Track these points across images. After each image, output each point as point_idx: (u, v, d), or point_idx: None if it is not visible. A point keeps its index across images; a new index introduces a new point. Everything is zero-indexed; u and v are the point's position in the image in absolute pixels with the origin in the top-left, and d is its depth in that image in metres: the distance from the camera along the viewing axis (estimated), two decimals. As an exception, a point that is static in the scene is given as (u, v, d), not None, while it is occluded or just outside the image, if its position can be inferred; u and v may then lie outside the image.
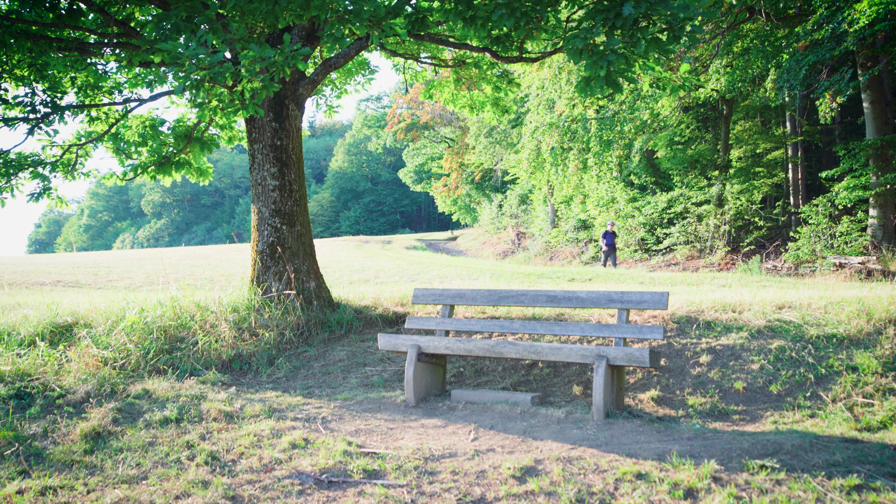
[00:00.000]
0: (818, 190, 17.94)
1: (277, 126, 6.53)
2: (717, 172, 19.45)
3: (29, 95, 7.03)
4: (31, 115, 7.00)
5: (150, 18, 6.82)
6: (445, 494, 2.98)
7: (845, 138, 17.46)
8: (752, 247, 17.86)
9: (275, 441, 3.77)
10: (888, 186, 13.29)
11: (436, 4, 5.75)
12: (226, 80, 4.67)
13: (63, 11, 6.45)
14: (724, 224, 18.64)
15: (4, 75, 6.74)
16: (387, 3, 5.44)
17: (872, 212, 13.87)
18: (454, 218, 46.49)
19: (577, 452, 3.40)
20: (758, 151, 20.12)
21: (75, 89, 7.71)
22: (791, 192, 18.55)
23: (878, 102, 13.91)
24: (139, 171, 8.40)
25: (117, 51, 6.86)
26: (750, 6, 13.84)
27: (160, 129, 8.44)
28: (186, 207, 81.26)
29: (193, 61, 4.44)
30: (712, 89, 16.21)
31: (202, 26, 4.81)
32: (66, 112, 7.24)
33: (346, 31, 5.09)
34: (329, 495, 3.04)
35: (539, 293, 4.84)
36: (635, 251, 21.34)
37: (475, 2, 4.99)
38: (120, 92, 8.06)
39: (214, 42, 4.65)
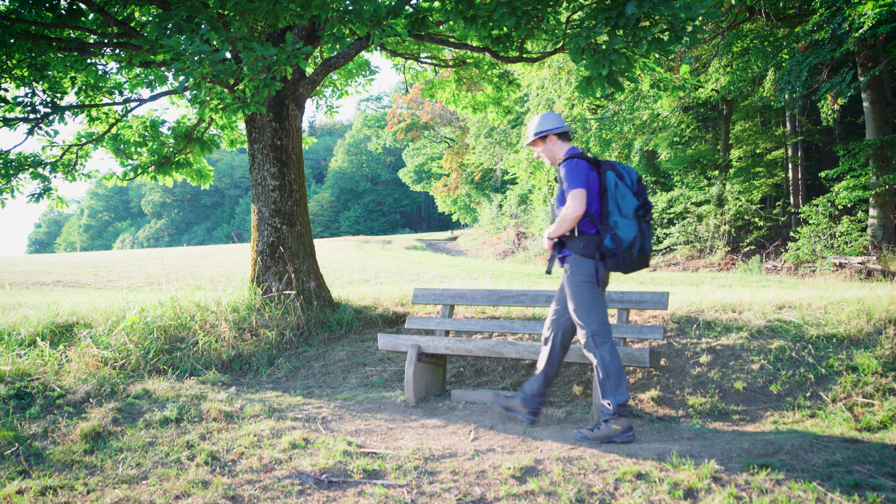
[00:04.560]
0: (818, 190, 17.94)
1: (277, 126, 6.53)
2: (717, 172, 19.45)
3: (29, 95, 7.02)
4: (31, 116, 7.00)
5: (151, 19, 6.83)
6: (445, 494, 2.98)
7: (845, 138, 17.46)
8: (752, 247, 17.86)
9: (275, 441, 3.77)
10: (888, 186, 13.29)
11: (436, 4, 5.75)
12: (227, 78, 4.67)
13: (63, 11, 6.44)
14: (724, 224, 18.64)
15: (4, 75, 6.74)
16: (387, 2, 5.44)
17: (872, 212, 13.87)
18: (454, 218, 46.49)
19: (577, 452, 3.40)
20: (758, 151, 20.13)
21: (75, 89, 7.70)
22: (791, 192, 18.55)
23: (878, 102, 13.91)
24: (139, 171, 8.40)
25: (117, 51, 6.86)
26: (750, 6, 13.84)
27: (160, 129, 8.44)
28: (186, 207, 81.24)
29: (196, 59, 4.44)
30: (712, 89, 16.22)
31: (203, 25, 4.81)
32: (66, 112, 7.24)
33: (347, 31, 5.09)
34: (329, 495, 3.04)
35: (539, 293, 4.83)
36: (635, 251, 21.32)
37: (476, 1, 4.99)
38: (120, 92, 8.06)
39: (216, 42, 4.65)
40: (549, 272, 3.86)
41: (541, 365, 3.98)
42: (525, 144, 3.93)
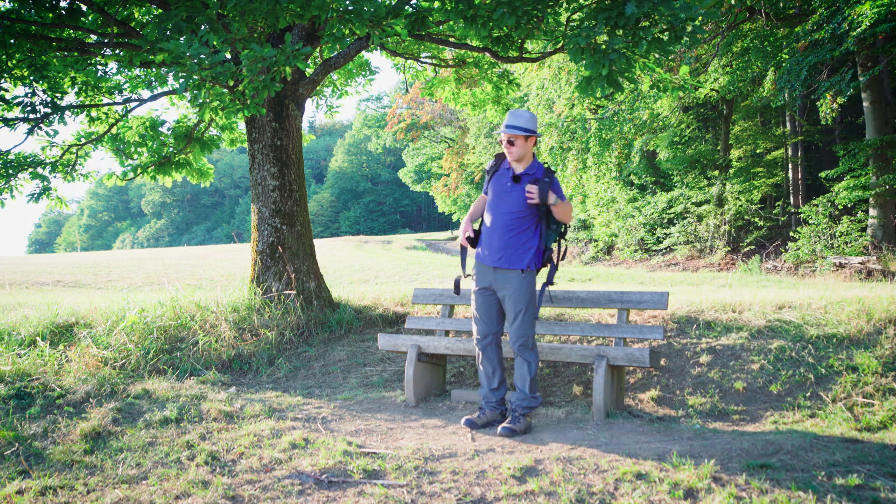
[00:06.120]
0: (818, 190, 17.93)
1: (277, 126, 6.53)
2: (717, 172, 19.45)
3: (29, 95, 7.02)
4: (31, 116, 6.99)
5: (151, 19, 6.82)
6: (445, 494, 2.98)
7: (845, 138, 17.46)
8: (752, 247, 17.86)
9: (275, 441, 3.77)
10: (888, 186, 13.28)
11: (436, 4, 5.75)
12: (227, 79, 4.67)
13: (63, 11, 6.44)
14: (724, 224, 18.64)
15: (4, 75, 6.73)
16: (387, 2, 5.43)
17: (872, 212, 13.86)
18: (454, 218, 46.45)
19: (577, 452, 3.40)
20: (758, 151, 20.12)
21: (75, 89, 7.70)
22: (791, 192, 18.55)
23: (878, 102, 13.90)
24: (139, 171, 8.40)
25: (117, 51, 6.86)
26: (750, 6, 13.84)
27: (160, 129, 8.44)
28: (186, 207, 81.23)
29: (195, 60, 4.44)
30: (712, 89, 16.22)
31: (202, 26, 4.81)
32: (66, 112, 7.24)
33: (347, 31, 5.09)
34: (329, 495, 3.04)
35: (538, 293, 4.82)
36: (635, 251, 21.35)
37: (476, 1, 4.98)
38: (120, 92, 8.06)
39: (215, 42, 4.65)
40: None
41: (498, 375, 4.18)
42: (514, 133, 3.86)
